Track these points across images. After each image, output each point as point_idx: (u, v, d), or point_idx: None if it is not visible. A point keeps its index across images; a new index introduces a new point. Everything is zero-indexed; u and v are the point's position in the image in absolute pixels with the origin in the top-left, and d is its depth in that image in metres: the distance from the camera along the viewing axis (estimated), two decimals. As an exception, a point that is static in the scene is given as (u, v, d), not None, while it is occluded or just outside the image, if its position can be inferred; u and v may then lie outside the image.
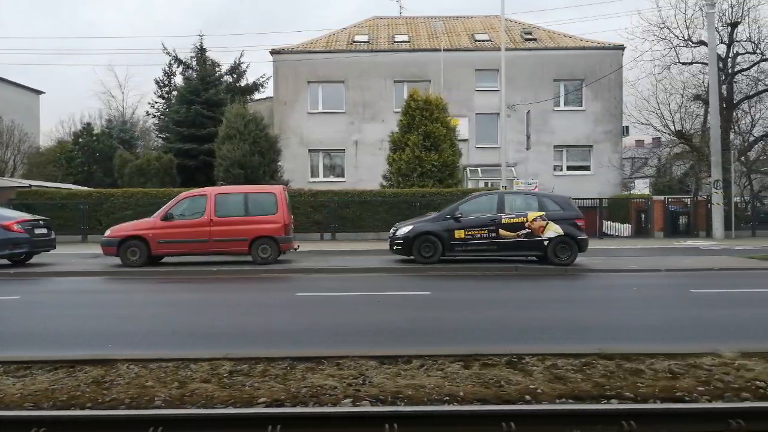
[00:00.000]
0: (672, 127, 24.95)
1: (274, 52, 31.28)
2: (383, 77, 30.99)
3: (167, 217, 13.38)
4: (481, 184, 30.58)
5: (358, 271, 12.81)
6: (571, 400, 4.13)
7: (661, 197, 23.42)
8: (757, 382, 4.43)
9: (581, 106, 30.94)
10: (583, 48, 31.28)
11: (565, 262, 12.93)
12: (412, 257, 13.25)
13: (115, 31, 70.73)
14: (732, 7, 24.16)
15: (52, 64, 64.85)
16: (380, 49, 31.42)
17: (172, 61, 40.87)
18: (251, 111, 25.95)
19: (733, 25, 24.60)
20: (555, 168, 31.22)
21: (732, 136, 26.50)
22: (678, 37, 25.62)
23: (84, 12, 79.48)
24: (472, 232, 13.12)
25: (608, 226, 24.03)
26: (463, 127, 31.05)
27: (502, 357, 5.08)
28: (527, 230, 13.04)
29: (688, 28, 25.40)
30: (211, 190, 14.00)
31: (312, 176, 31.03)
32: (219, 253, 13.65)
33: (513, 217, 13.11)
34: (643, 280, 11.54)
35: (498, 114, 31.02)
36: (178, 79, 39.18)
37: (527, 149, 25.18)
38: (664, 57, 25.62)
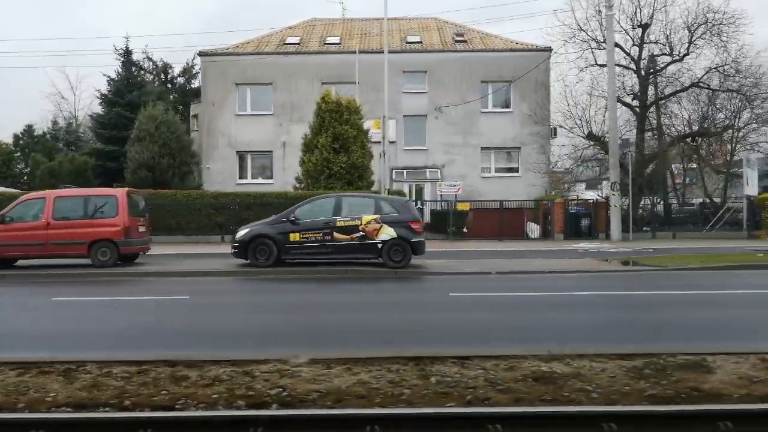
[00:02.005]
0: (583, 130, 24.95)
1: (201, 54, 31.26)
2: (311, 79, 30.93)
3: (3, 221, 13.31)
4: (406, 187, 30.62)
5: (192, 275, 12.79)
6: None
7: (562, 199, 23.43)
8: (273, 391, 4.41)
9: (509, 107, 30.95)
10: (511, 50, 31.32)
11: (399, 265, 12.91)
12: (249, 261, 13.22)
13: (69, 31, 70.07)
14: (641, 9, 24.22)
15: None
16: (306, 51, 31.44)
17: (127, 62, 40.96)
18: (166, 113, 25.87)
19: (644, 26, 24.64)
20: (483, 170, 31.22)
21: (648, 136, 26.57)
22: (593, 39, 25.63)
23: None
24: (308, 235, 13.08)
25: (531, 227, 23.98)
26: (390, 130, 31.07)
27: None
28: (362, 233, 13.01)
29: (603, 30, 25.39)
30: (50, 194, 13.96)
31: (240, 178, 30.96)
32: (57, 256, 13.58)
33: (348, 220, 13.08)
34: (450, 282, 11.53)
35: (426, 116, 31.21)
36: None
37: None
38: (578, 59, 25.61)
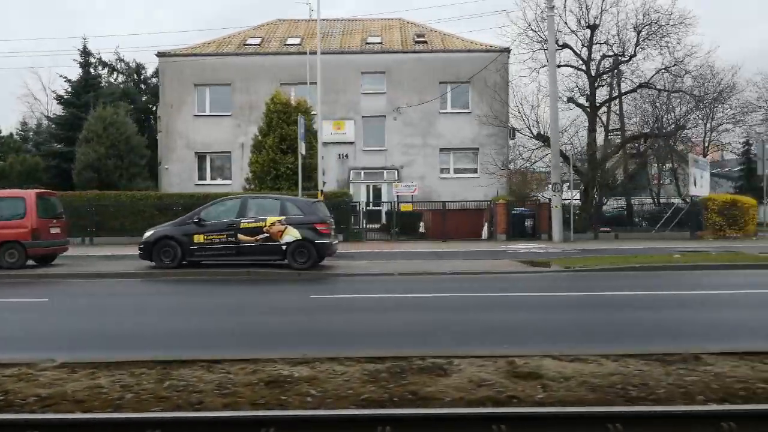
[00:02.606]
0: (532, 130, 24.96)
1: (160, 54, 31.21)
2: (270, 80, 30.85)
3: None
4: (363, 188, 30.65)
5: (93, 276, 12.76)
6: None
7: (504, 201, 23.42)
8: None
9: (467, 108, 30.93)
10: (469, 51, 31.31)
11: (304, 267, 12.89)
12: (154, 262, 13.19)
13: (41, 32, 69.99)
14: (588, 10, 24.23)
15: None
16: (265, 52, 31.38)
17: (97, 63, 40.93)
18: (116, 115, 25.81)
19: (592, 27, 24.65)
20: (442, 171, 31.23)
21: (603, 137, 26.60)
22: (545, 40, 25.59)
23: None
24: (212, 237, 13.06)
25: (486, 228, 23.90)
26: (349, 130, 31.13)
27: None
28: (266, 235, 12.99)
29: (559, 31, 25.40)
30: (-42, 195, 13.93)
31: (199, 179, 30.95)
32: (-38, 258, 13.54)
33: (252, 222, 13.06)
34: (341, 284, 11.52)
35: (385, 117, 31.20)
36: (103, 83, 39.14)
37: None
38: (528, 60, 25.62)
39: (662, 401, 4.21)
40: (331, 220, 14.12)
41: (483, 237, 23.33)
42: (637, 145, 26.92)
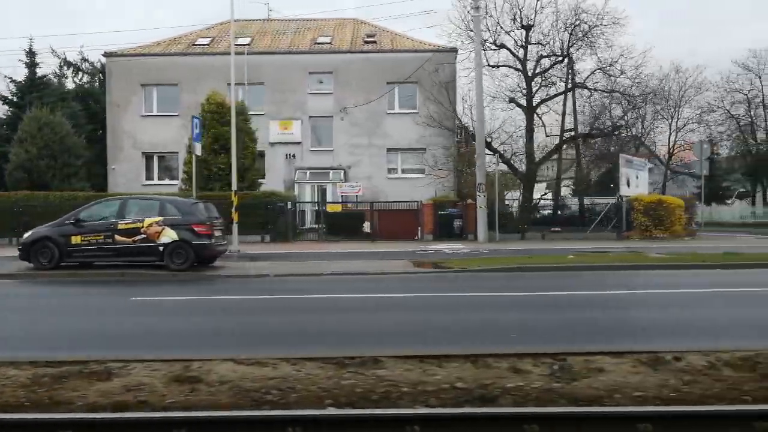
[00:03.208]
0: (468, 131, 24.96)
1: (107, 54, 31.15)
2: (218, 80, 30.73)
3: None
4: (308, 188, 30.63)
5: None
6: None
7: (432, 202, 23.42)
8: None
9: (415, 108, 30.88)
10: (417, 51, 31.24)
11: (181, 268, 12.86)
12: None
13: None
14: (521, 10, 24.25)
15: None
16: (212, 52, 31.31)
17: (62, 64, 40.87)
18: (52, 115, 25.72)
19: (526, 28, 24.66)
20: (390, 171, 31.19)
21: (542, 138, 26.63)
22: (483, 40, 25.62)
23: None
24: (89, 238, 13.02)
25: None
26: (296, 130, 31.08)
27: None
28: (143, 236, 12.95)
29: (492, 31, 25.49)
30: None
31: (147, 179, 30.89)
32: None
33: (129, 223, 13.02)
34: (203, 286, 11.50)
35: (332, 117, 31.15)
36: (69, 83, 39.09)
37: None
38: (464, 60, 25.63)
39: (291, 405, 4.19)
40: (217, 221, 14.09)
41: (417, 237, 23.33)
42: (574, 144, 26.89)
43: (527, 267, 13.76)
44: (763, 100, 37.74)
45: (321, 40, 32.68)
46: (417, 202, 23.94)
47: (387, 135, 30.91)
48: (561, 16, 23.93)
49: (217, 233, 13.97)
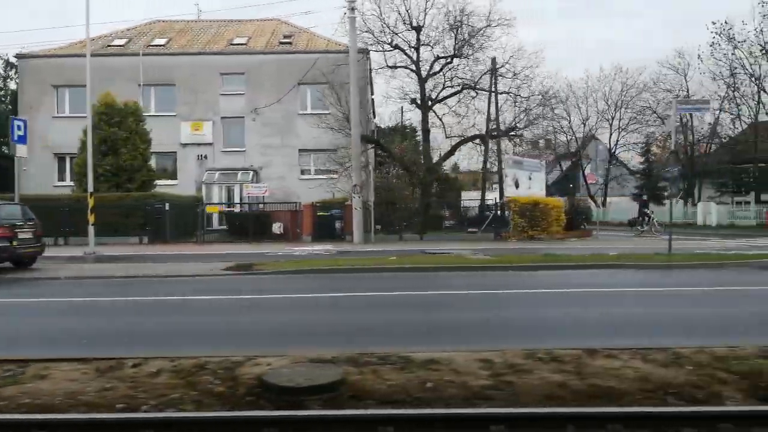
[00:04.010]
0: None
1: (19, 56, 31.14)
2: (130, 81, 30.77)
3: None
4: (216, 189, 30.60)
5: None
6: None
7: (312, 203, 23.46)
8: None
9: (326, 109, 30.84)
10: (329, 52, 31.22)
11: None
12: None
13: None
14: (409, 12, 24.28)
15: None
16: (126, 53, 31.28)
17: (4, 64, 40.95)
18: None
19: (417, 29, 24.68)
20: (303, 172, 31.21)
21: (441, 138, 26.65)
22: (379, 41, 25.73)
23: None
24: None
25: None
26: (207, 131, 31.07)
27: None
28: (-59, 238, 12.95)
29: (389, 32, 25.53)
30: None
31: (59, 180, 30.86)
32: None
33: (-71, 225, 13.02)
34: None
35: (244, 117, 31.16)
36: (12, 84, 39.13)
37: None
38: (360, 61, 25.57)
39: None
40: (29, 223, 14.10)
41: (297, 238, 23.34)
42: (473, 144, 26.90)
43: (339, 269, 13.83)
44: (687, 98, 37.73)
45: (237, 41, 32.70)
46: (296, 203, 23.96)
47: (299, 136, 30.92)
48: (448, 18, 23.93)
49: (26, 235, 13.95)
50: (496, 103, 28.56)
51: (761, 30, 32.82)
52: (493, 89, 24.77)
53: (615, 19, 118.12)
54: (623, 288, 10.79)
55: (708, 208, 36.34)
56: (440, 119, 26.66)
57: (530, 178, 24.90)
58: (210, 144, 30.89)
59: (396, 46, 25.18)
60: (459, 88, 24.77)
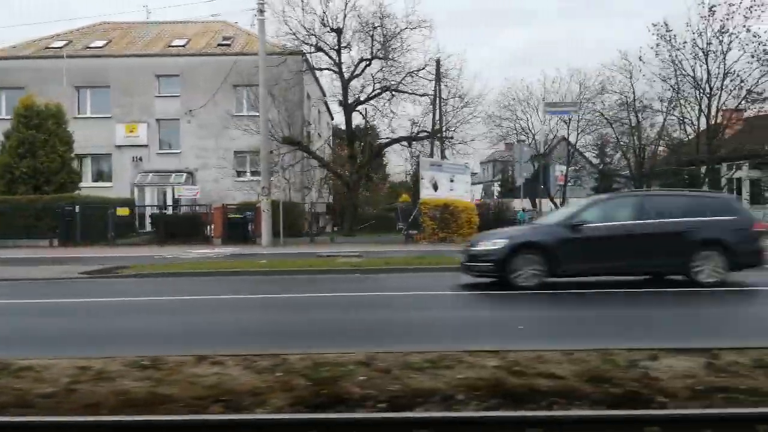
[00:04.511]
0: (282, 133, 24.99)
1: (-52, 58, 31.12)
2: (64, 83, 30.71)
3: None
4: (149, 191, 30.53)
5: None
6: None
7: (222, 205, 23.43)
8: None
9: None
10: (274, 53, 31.11)
11: None
12: None
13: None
14: (325, 13, 24.27)
15: None
16: (61, 56, 31.19)
17: None
18: None
19: (337, 31, 24.66)
20: (239, 174, 31.17)
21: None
22: (305, 43, 25.70)
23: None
24: None
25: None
26: (142, 133, 31.01)
27: None
28: None
29: (311, 35, 25.50)
30: None
31: (-8, 183, 30.77)
32: None
33: None
34: None
35: (179, 120, 31.11)
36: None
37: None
38: (282, 63, 25.57)
39: None
40: None
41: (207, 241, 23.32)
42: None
43: (198, 272, 13.76)
44: (634, 101, 37.73)
45: (176, 43, 32.65)
46: (207, 205, 23.95)
47: (234, 138, 30.78)
48: (361, 21, 23.91)
49: None
50: (439, 106, 28.68)
51: (699, 32, 32.79)
52: (421, 92, 24.72)
53: (615, 19, 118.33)
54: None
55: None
56: (368, 121, 26.65)
57: (452, 180, 24.86)
58: (145, 146, 30.84)
59: (319, 48, 25.13)
60: (379, 91, 24.73)
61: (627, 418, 3.87)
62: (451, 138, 26.65)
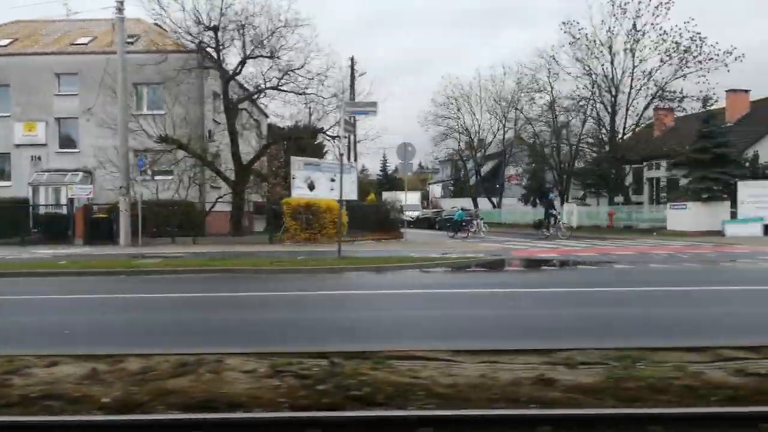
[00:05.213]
0: (155, 131, 24.81)
1: None
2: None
3: None
4: (43, 190, 30.26)
5: None
6: None
7: (85, 206, 23.22)
8: None
9: (162, 110, 30.58)
10: (165, 51, 30.89)
11: None
12: None
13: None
14: (199, 12, 24.04)
15: None
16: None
17: None
18: None
19: (214, 29, 24.42)
20: (142, 173, 30.83)
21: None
22: (191, 42, 25.47)
23: None
24: None
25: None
26: (41, 132, 30.74)
27: None
28: None
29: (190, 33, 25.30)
30: None
31: None
32: None
33: None
34: None
35: (78, 118, 30.84)
36: None
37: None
38: (161, 63, 25.34)
39: None
40: None
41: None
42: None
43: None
44: (553, 101, 37.66)
45: (80, 41, 32.38)
46: (65, 205, 23.76)
47: (136, 136, 30.52)
48: (238, 19, 23.64)
49: None
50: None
51: (609, 29, 32.69)
52: (299, 91, 24.44)
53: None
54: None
55: (571, 209, 36.24)
56: (255, 119, 26.44)
57: (333, 180, 24.67)
58: (44, 145, 30.57)
59: (200, 47, 24.89)
60: (254, 91, 24.56)
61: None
62: (337, 137, 26.36)
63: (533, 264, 15.60)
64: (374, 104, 15.64)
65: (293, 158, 23.57)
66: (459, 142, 51.52)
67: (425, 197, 69.95)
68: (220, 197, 25.50)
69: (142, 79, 30.34)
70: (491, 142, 49.87)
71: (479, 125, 47.99)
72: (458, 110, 47.13)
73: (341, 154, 17.74)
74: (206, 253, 17.51)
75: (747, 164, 28.13)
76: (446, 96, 46.49)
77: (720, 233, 26.19)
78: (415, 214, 47.24)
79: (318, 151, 43.90)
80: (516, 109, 42.23)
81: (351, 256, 15.11)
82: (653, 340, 5.80)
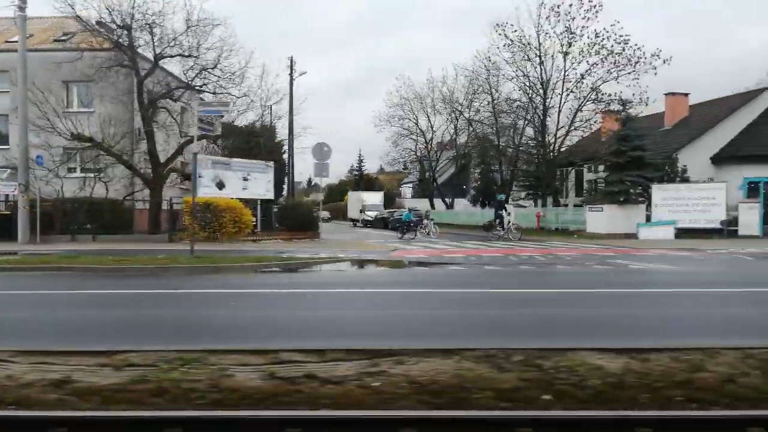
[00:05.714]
0: (64, 128, 25.01)
1: None
2: None
3: None
4: (-30, 187, 30.34)
5: None
6: None
7: None
8: None
9: (92, 107, 30.76)
10: (95, 49, 31.00)
11: None
12: None
13: None
14: (110, 11, 24.17)
15: None
16: None
17: None
18: None
19: (127, 28, 24.53)
20: (69, 170, 31.00)
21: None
22: (109, 39, 25.56)
23: None
24: None
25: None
26: (-27, 131, 30.89)
27: None
28: None
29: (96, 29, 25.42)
30: None
31: None
32: None
33: None
34: None
35: (7, 116, 30.95)
36: None
37: None
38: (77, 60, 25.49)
39: None
40: None
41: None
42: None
43: None
44: (493, 104, 37.79)
45: (15, 38, 32.40)
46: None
47: (66, 134, 30.69)
48: (146, 19, 23.76)
49: None
50: (291, 105, 28.68)
51: (539, 31, 32.79)
52: (219, 92, 24.60)
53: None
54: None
55: (509, 211, 36.35)
56: (174, 119, 26.57)
57: (246, 179, 24.85)
58: (-22, 140, 30.72)
59: (117, 45, 25.01)
60: (165, 91, 24.71)
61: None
62: (222, 136, 26.54)
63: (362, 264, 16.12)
64: (227, 104, 15.87)
65: (201, 156, 23.64)
66: (416, 143, 51.66)
67: (394, 198, 70.22)
68: (130, 194, 25.67)
69: (74, 77, 30.48)
70: (446, 145, 50.02)
71: (433, 127, 48.12)
72: (411, 111, 47.26)
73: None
74: (84, 251, 17.64)
75: (666, 167, 28.25)
76: (400, 96, 46.63)
77: (635, 236, 26.33)
78: (374, 214, 47.47)
79: (276, 152, 44.07)
80: (458, 111, 42.35)
81: (204, 255, 15.24)
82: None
